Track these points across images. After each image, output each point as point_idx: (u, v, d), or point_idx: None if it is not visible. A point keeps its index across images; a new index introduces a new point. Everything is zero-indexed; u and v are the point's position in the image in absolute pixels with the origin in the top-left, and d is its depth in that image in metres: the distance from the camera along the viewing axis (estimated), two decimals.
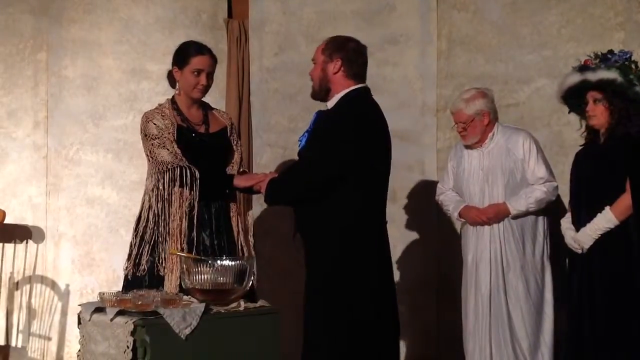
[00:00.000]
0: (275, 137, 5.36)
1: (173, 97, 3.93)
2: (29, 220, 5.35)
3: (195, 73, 3.84)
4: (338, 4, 5.35)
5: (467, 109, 4.47)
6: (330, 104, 3.70)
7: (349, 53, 3.68)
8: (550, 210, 4.54)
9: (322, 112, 3.74)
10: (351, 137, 3.53)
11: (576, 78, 3.99)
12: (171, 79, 3.96)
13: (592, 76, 3.93)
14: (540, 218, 4.50)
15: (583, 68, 3.99)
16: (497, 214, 4.44)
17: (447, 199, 4.67)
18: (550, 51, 5.04)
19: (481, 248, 4.47)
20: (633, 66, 3.94)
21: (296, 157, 3.88)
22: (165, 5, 5.48)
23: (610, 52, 4.00)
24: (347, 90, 3.66)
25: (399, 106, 5.12)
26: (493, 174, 4.49)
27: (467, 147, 4.57)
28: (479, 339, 4.45)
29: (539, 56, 5.07)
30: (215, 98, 5.05)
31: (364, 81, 3.73)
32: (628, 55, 3.97)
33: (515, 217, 4.44)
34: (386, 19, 5.29)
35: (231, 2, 5.56)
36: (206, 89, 3.91)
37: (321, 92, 3.73)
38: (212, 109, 4.06)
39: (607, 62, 3.93)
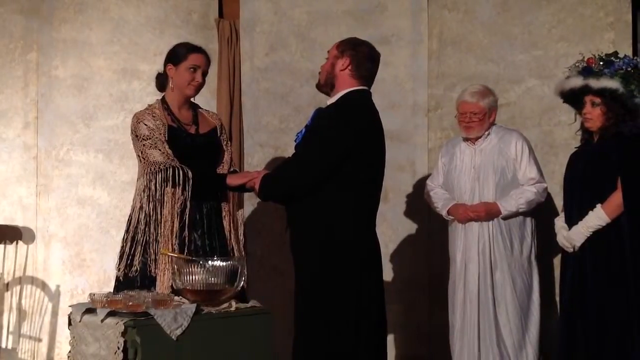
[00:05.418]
0: (267, 137, 5.36)
1: (163, 97, 3.94)
2: (19, 221, 5.33)
3: (192, 69, 3.86)
4: (329, 4, 5.35)
5: (482, 101, 4.52)
6: (330, 101, 3.70)
7: (359, 54, 3.68)
8: (539, 210, 4.56)
9: (320, 109, 3.74)
10: (345, 133, 3.53)
11: (578, 82, 3.97)
12: (159, 82, 3.96)
13: (595, 83, 3.91)
14: (529, 218, 4.52)
15: (586, 71, 3.96)
16: (487, 212, 4.45)
17: (436, 196, 4.68)
18: (541, 51, 5.06)
19: (469, 247, 4.49)
20: (636, 73, 3.91)
21: (287, 157, 3.87)
22: (156, 5, 5.47)
23: (615, 55, 3.98)
24: (349, 90, 3.65)
25: (390, 106, 5.12)
26: (484, 172, 4.52)
27: (465, 139, 4.59)
28: (467, 337, 4.47)
29: (530, 56, 5.09)
30: (206, 98, 5.05)
31: (369, 85, 3.72)
32: (633, 64, 3.93)
33: (506, 217, 4.46)
34: (377, 19, 5.29)
35: (222, 2, 5.55)
36: (199, 87, 3.92)
37: (326, 86, 3.72)
38: (201, 109, 4.06)
39: (611, 66, 3.91)
